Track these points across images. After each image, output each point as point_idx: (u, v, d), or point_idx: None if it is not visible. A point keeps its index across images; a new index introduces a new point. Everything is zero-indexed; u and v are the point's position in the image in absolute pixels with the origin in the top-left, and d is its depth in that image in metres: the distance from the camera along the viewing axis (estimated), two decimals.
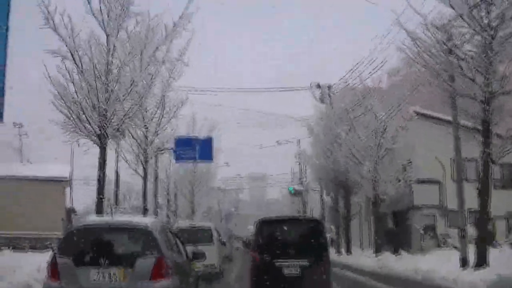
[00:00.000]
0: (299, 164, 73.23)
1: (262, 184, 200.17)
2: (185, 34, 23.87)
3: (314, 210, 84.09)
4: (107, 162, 22.54)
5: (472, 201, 30.65)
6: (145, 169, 32.97)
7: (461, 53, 20.13)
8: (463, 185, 24.77)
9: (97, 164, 21.69)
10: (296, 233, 16.58)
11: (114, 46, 22.16)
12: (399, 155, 36.56)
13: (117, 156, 34.02)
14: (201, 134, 56.20)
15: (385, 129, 35.57)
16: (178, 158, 34.54)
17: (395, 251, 38.29)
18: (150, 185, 58.72)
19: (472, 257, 21.52)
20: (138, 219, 10.91)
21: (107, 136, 22.03)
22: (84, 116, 21.47)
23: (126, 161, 33.08)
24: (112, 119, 22.01)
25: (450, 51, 20.05)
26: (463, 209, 24.25)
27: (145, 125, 32.23)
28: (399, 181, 36.09)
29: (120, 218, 10.74)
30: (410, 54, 21.66)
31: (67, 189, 60.83)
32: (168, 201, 60.67)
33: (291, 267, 15.46)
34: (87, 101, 21.46)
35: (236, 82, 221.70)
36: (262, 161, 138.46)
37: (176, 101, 32.61)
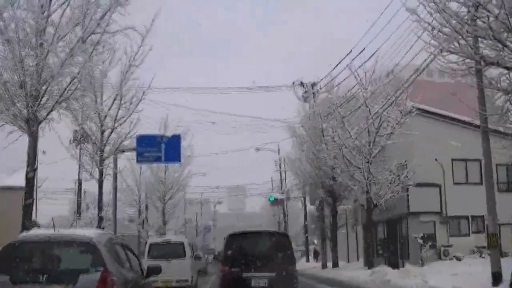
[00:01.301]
0: (280, 172, 68.75)
1: (241, 196, 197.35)
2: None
3: (297, 220, 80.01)
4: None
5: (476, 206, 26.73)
6: (101, 172, 28.22)
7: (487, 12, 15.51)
8: (493, 186, 20.15)
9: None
10: (264, 246, 17.15)
11: (49, 8, 17.60)
12: (394, 155, 32.17)
13: (80, 157, 29.39)
14: None
15: (380, 124, 31.06)
16: (141, 158, 29.63)
17: (389, 264, 33.93)
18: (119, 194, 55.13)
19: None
20: (82, 232, 9.95)
21: (38, 121, 17.32)
22: (7, 95, 16.85)
23: (79, 163, 28.33)
24: (45, 100, 17.32)
25: (477, 8, 15.41)
26: (495, 214, 19.49)
27: (100, 120, 27.70)
28: (395, 183, 31.53)
29: (63, 231, 9.88)
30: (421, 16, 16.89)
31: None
32: (140, 212, 56.19)
33: (258, 279, 15.83)
34: (13, 77, 17.00)
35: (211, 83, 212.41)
36: (241, 170, 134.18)
37: (137, 92, 27.90)
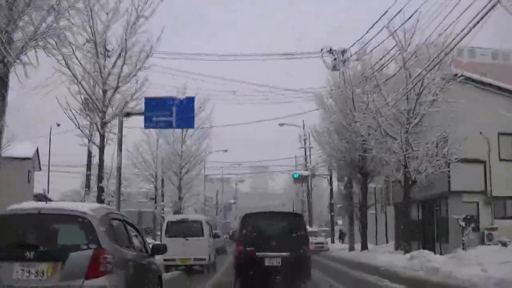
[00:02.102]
0: (304, 148, 65.10)
1: (263, 176, 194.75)
2: None
3: (321, 200, 76.58)
4: None
5: None
6: (102, 136, 24.79)
7: None
8: None
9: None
10: (278, 226, 17.20)
11: None
12: (435, 126, 28.38)
13: (90, 126, 26.00)
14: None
15: (421, 90, 27.30)
16: (149, 123, 26.15)
17: (424, 248, 30.36)
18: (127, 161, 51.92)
19: None
20: (76, 206, 8.97)
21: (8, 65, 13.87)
22: None
23: (78, 127, 24.93)
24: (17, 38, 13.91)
25: None
26: None
27: (102, 77, 24.23)
28: (437, 157, 27.80)
29: (55, 204, 9.18)
30: None
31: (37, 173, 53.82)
32: (156, 188, 52.97)
33: (272, 258, 16.00)
34: None
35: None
36: (264, 146, 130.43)
37: (145, 46, 24.38)
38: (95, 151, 26.97)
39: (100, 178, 25.30)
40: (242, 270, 16.45)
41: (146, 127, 26.60)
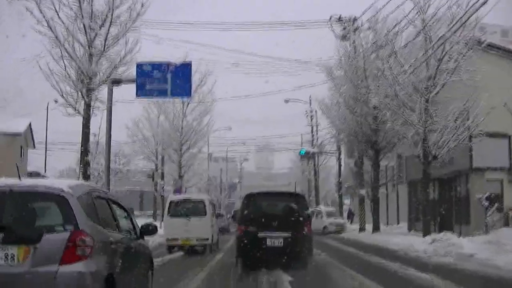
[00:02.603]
0: (311, 125, 62.44)
1: (268, 155, 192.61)
2: None
3: (327, 179, 74.01)
4: None
5: None
6: (87, 105, 22.29)
7: None
8: None
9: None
10: (280, 207, 17.22)
11: None
12: (456, 97, 25.70)
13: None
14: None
15: (443, 56, 24.63)
16: (141, 92, 23.59)
17: (440, 229, 27.93)
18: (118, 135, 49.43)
19: None
20: (52, 182, 8.11)
21: None
22: None
23: (61, 94, 22.38)
24: None
25: None
26: None
27: (87, 39, 21.73)
28: (459, 130, 25.21)
29: (30, 181, 8.30)
30: None
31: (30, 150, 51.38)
32: (156, 167, 50.50)
33: (274, 238, 15.95)
34: None
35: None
36: (269, 123, 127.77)
37: (135, 3, 21.81)
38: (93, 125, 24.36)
39: (85, 152, 22.80)
40: (244, 250, 16.39)
41: (138, 95, 23.92)
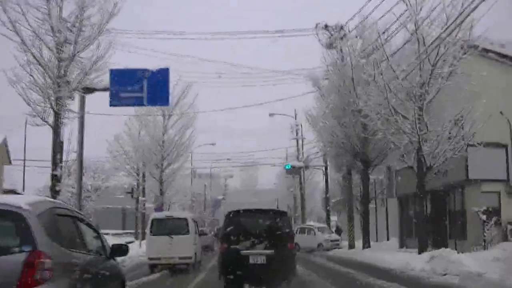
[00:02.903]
0: (296, 138, 60.93)
1: (253, 172, 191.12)
2: None
3: (313, 195, 72.41)
4: None
5: None
6: (56, 113, 20.59)
7: None
8: None
9: None
10: (262, 224, 16.87)
11: None
12: (450, 105, 24.27)
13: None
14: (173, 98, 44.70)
15: (437, 60, 23.21)
16: (116, 101, 21.93)
17: (434, 245, 26.44)
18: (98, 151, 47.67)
19: None
20: (10, 199, 7.31)
21: None
22: None
23: (28, 103, 20.63)
24: None
25: None
26: None
27: (56, 43, 20.10)
28: (455, 139, 23.74)
29: None
30: None
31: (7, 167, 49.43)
32: (138, 183, 48.54)
33: (256, 256, 15.75)
34: None
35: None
36: (253, 137, 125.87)
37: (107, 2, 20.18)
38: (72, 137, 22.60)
39: (54, 165, 20.98)
40: (227, 268, 16.16)
41: (112, 104, 22.25)
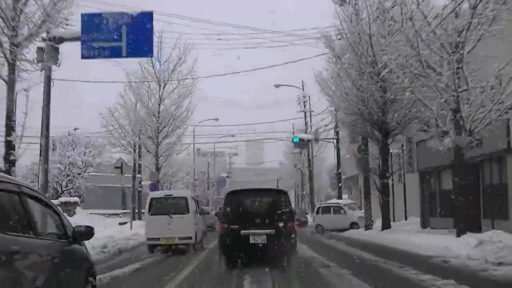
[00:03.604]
0: (304, 111, 56.91)
1: (259, 148, 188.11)
2: None
3: (320, 174, 68.73)
4: None
5: None
6: (11, 65, 16.60)
7: None
8: None
9: None
10: (262, 203, 17.44)
11: None
12: (497, 53, 20.07)
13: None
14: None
15: (477, 2, 19.04)
16: (88, 52, 18.02)
17: (467, 226, 22.34)
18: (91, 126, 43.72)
19: None
20: None
21: None
22: None
23: None
24: None
25: None
26: None
27: None
28: (498, 100, 19.58)
29: None
30: None
31: None
32: (134, 159, 44.48)
33: (256, 236, 15.89)
34: None
35: None
36: (259, 112, 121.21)
37: None
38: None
39: (8, 130, 17.00)
40: (227, 248, 16.40)
41: (83, 56, 18.33)
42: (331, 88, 31.29)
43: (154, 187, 40.65)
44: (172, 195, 26.13)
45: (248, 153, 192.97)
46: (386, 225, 29.31)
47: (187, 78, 40.49)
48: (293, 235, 16.43)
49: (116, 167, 32.41)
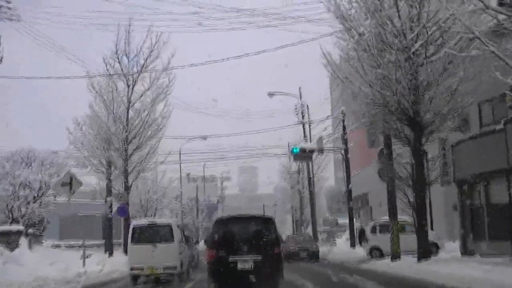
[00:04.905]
0: (302, 123, 49.57)
1: (252, 177, 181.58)
2: None
3: (319, 192, 61.58)
4: None
5: None
6: None
7: None
8: None
9: None
10: (249, 230, 17.18)
11: None
12: None
13: None
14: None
15: None
16: None
17: None
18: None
19: None
20: None
21: None
22: None
23: None
24: None
25: None
26: None
27: None
28: None
29: None
30: None
31: None
32: (108, 182, 36.17)
33: (244, 262, 16.20)
34: None
35: None
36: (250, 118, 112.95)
37: None
38: None
39: None
40: (216, 275, 16.71)
41: None
42: (344, 73, 23.54)
43: (122, 211, 33.12)
44: (156, 223, 24.88)
45: (241, 178, 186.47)
46: (424, 253, 21.62)
47: (164, 72, 32.93)
48: (279, 260, 16.75)
49: (63, 184, 24.83)
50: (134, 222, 25.43)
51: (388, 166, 24.55)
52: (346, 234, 43.69)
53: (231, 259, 16.16)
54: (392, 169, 24.48)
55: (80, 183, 26.59)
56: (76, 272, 21.53)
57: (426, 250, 21.93)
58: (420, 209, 22.12)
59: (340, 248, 38.83)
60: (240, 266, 16.05)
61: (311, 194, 48.97)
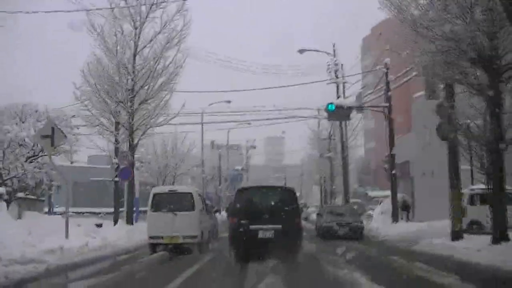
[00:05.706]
0: (336, 83, 44.54)
1: (279, 144, 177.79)
2: None
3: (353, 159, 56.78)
4: None
5: None
6: None
7: None
8: None
9: None
10: (271, 200, 18.05)
11: None
12: None
13: None
14: None
15: None
16: None
17: None
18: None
19: None
20: None
21: None
22: None
23: None
24: None
25: None
26: None
27: None
28: None
29: None
30: None
31: None
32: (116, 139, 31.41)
33: (265, 231, 16.99)
34: None
35: None
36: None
37: None
38: None
39: None
40: (236, 242, 17.32)
41: None
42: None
43: (123, 173, 28.58)
44: (176, 190, 24.58)
45: (268, 148, 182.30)
46: (501, 234, 16.56)
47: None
48: (299, 231, 17.46)
49: (43, 136, 20.10)
50: (154, 189, 25.11)
51: (449, 118, 19.35)
52: (380, 208, 38.88)
53: (252, 227, 16.98)
54: (455, 123, 19.33)
55: (64, 136, 21.93)
56: (48, 248, 16.51)
57: (503, 229, 16.88)
58: (496, 170, 17.01)
59: (378, 223, 33.70)
60: (260, 234, 16.87)
61: (344, 160, 43.96)
